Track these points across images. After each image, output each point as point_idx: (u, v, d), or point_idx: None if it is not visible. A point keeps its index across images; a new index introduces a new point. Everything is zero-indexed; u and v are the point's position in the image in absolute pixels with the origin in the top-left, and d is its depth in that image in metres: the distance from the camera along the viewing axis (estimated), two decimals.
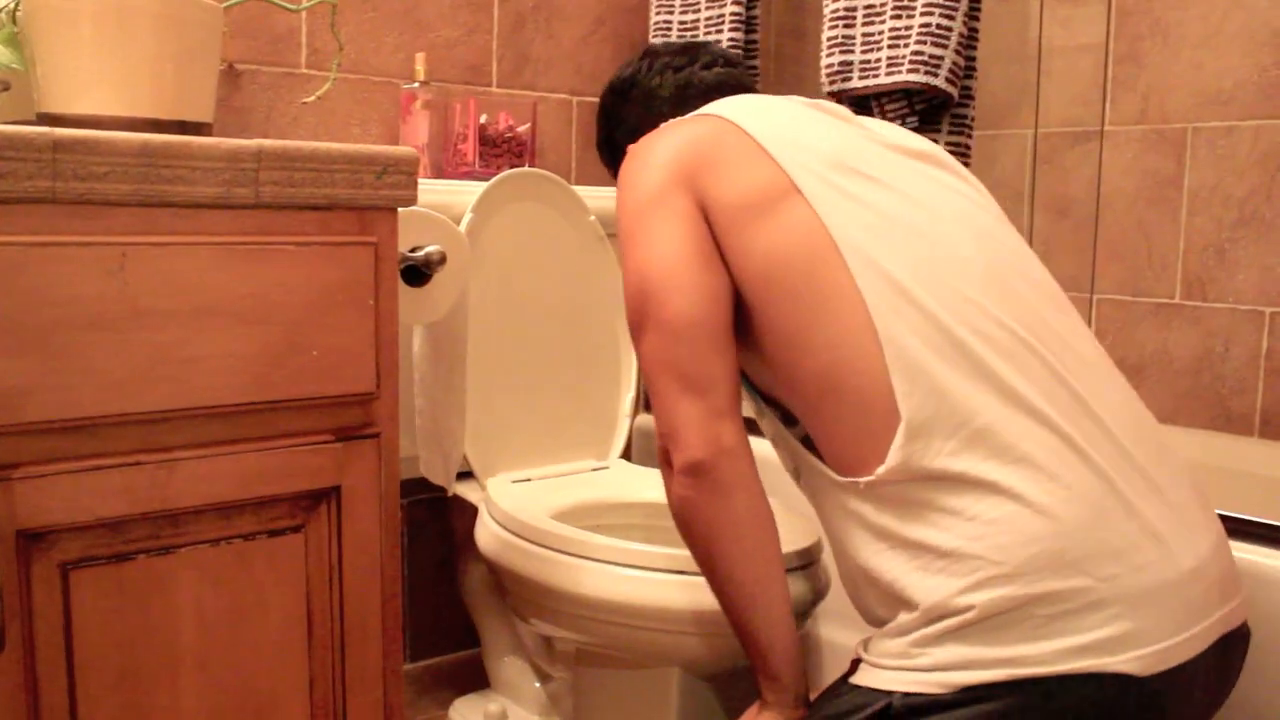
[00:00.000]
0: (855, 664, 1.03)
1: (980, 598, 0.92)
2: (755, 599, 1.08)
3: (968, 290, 1.01)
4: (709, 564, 1.09)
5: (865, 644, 1.03)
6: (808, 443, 1.09)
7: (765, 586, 1.08)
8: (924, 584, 0.95)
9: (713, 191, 1.07)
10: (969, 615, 0.92)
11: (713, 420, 1.04)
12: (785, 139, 1.09)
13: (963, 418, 0.96)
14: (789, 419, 1.12)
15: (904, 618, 0.97)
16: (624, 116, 1.31)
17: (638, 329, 1.09)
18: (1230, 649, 1.00)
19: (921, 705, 0.93)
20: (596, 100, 2.12)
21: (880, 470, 0.98)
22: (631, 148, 1.17)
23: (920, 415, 0.96)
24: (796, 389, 1.06)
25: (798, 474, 1.13)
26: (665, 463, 1.08)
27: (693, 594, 1.31)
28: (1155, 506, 0.96)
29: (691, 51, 1.31)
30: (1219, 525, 1.03)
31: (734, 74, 1.31)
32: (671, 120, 1.18)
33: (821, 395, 1.02)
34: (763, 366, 1.10)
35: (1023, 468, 0.94)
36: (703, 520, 1.06)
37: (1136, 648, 0.91)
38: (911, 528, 0.97)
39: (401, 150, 1.07)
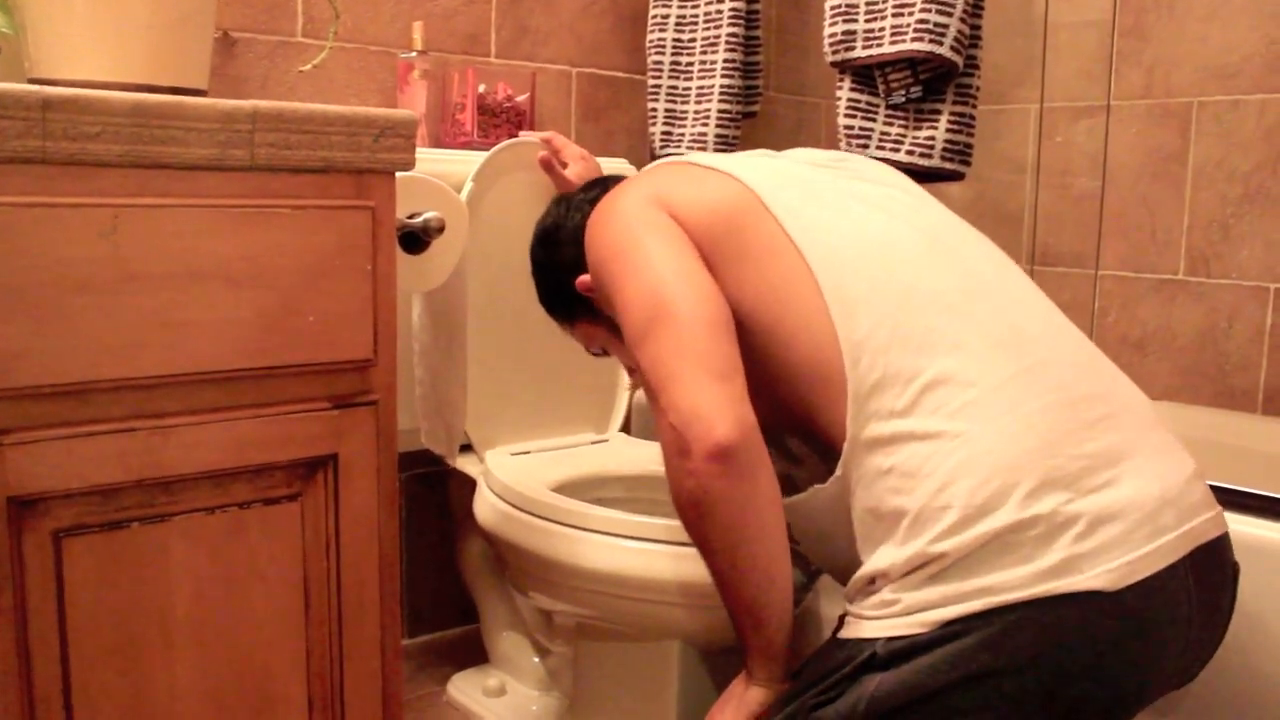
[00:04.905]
0: (842, 619, 1.05)
1: (951, 543, 0.95)
2: (774, 580, 1.06)
3: (903, 256, 1.08)
4: (731, 554, 1.05)
5: (850, 599, 1.04)
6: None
7: (781, 566, 1.06)
8: (901, 550, 0.98)
9: (681, 208, 1.15)
10: (944, 560, 0.95)
11: (739, 401, 1.03)
12: (734, 161, 1.20)
13: (909, 375, 1.01)
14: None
15: (881, 581, 1.00)
16: (560, 258, 1.37)
17: (645, 335, 1.08)
18: (1211, 570, 1.01)
19: (903, 649, 0.95)
20: (596, 71, 2.12)
21: (845, 446, 1.02)
22: (598, 206, 1.24)
23: (868, 379, 1.02)
24: (779, 385, 1.09)
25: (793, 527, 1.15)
26: (679, 453, 1.02)
27: (693, 566, 1.29)
28: (1107, 434, 1.00)
29: (603, 183, 1.39)
30: (1189, 460, 1.05)
31: None
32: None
33: (807, 383, 1.07)
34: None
35: (970, 411, 0.99)
36: (732, 508, 1.02)
37: (1103, 563, 0.93)
38: (885, 500, 1.00)
39: (399, 113, 1.06)
